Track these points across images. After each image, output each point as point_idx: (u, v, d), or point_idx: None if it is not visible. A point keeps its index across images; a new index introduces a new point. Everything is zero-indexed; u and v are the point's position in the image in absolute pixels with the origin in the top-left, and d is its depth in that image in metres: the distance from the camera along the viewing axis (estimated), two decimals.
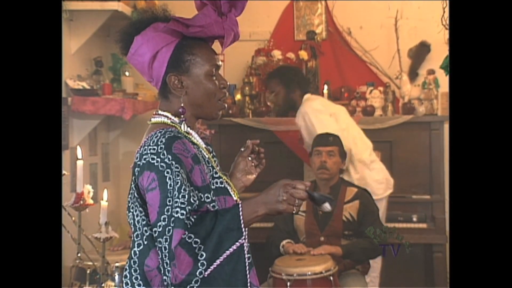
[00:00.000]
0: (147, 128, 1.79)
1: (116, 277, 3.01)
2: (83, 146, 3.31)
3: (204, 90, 1.76)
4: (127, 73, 4.35)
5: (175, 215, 1.59)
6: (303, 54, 4.50)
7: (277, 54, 4.56)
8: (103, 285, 2.86)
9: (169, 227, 1.59)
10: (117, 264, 3.03)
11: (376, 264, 3.70)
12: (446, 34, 3.11)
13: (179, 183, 1.62)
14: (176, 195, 1.61)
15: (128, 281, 1.72)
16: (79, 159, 2.84)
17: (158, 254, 1.64)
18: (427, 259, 4.22)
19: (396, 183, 4.00)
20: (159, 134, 1.67)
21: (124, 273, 1.74)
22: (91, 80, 3.97)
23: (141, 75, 1.81)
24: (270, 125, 4.29)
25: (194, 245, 1.58)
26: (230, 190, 1.79)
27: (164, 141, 1.66)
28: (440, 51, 3.85)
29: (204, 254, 1.58)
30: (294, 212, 1.68)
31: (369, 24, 4.69)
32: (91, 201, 2.82)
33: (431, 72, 4.29)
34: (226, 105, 1.85)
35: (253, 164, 1.97)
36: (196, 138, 1.78)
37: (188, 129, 1.76)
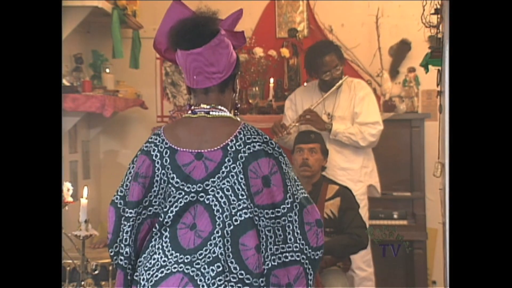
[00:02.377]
0: (202, 119, 1.92)
1: (97, 276, 2.99)
2: (63, 143, 3.29)
3: (235, 93, 2.04)
4: (107, 70, 4.31)
5: (306, 195, 1.93)
6: (285, 52, 4.51)
7: (258, 51, 4.56)
8: (82, 283, 2.84)
9: (296, 203, 1.88)
10: (97, 262, 3.01)
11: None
12: (426, 32, 3.14)
13: (293, 171, 1.95)
14: (298, 180, 1.94)
15: (220, 256, 1.81)
16: None
17: (257, 234, 1.82)
18: (407, 255, 4.25)
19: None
20: (252, 127, 1.93)
21: (213, 249, 1.82)
22: (71, 77, 3.94)
23: (203, 66, 1.90)
24: (252, 123, 4.23)
25: None
26: None
27: (263, 133, 1.93)
28: (420, 49, 3.88)
29: None
30: None
31: (350, 22, 4.70)
32: (71, 199, 2.80)
33: (412, 70, 4.32)
34: None
35: None
36: None
37: None
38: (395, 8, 4.59)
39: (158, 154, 1.91)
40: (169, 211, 1.88)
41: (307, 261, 1.88)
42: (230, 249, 1.82)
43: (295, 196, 1.89)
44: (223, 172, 1.86)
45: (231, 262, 1.81)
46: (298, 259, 1.86)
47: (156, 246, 1.87)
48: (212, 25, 1.90)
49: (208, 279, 1.79)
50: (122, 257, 1.92)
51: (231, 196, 1.85)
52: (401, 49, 4.57)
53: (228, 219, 1.83)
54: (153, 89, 4.72)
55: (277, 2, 4.72)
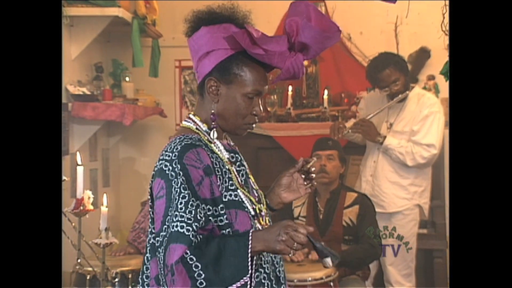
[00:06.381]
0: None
1: (116, 284, 3.01)
2: (83, 151, 3.32)
3: (235, 107, 1.74)
4: (127, 79, 4.35)
5: (181, 230, 1.58)
6: None
7: None
8: None
9: (167, 238, 1.59)
10: (117, 270, 3.02)
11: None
12: (446, 40, 3.12)
13: (186, 198, 1.61)
14: (183, 209, 1.60)
15: (138, 286, 1.74)
16: (79, 164, 2.84)
17: (157, 264, 1.65)
18: (427, 264, 4.22)
19: None
20: (177, 141, 1.68)
21: (139, 278, 1.76)
22: (91, 86, 3.98)
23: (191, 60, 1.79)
24: (270, 131, 4.29)
25: (195, 269, 1.56)
26: (246, 204, 1.73)
27: (179, 148, 1.66)
28: (440, 56, 3.86)
29: (204, 283, 1.56)
30: (290, 254, 1.64)
31: (369, 30, 4.69)
32: (91, 207, 2.82)
33: (431, 77, 4.30)
34: (253, 128, 1.81)
35: (304, 183, 1.89)
36: (219, 147, 1.76)
37: (215, 137, 1.75)
38: (414, 15, 4.56)
39: None
40: None
41: None
42: (149, 277, 1.71)
43: (171, 232, 1.59)
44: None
45: None
46: None
47: None
48: (202, 20, 1.72)
49: None
50: None
51: (150, 219, 1.73)
52: (421, 56, 4.55)
53: (148, 244, 1.72)
54: (172, 98, 4.76)
55: None
